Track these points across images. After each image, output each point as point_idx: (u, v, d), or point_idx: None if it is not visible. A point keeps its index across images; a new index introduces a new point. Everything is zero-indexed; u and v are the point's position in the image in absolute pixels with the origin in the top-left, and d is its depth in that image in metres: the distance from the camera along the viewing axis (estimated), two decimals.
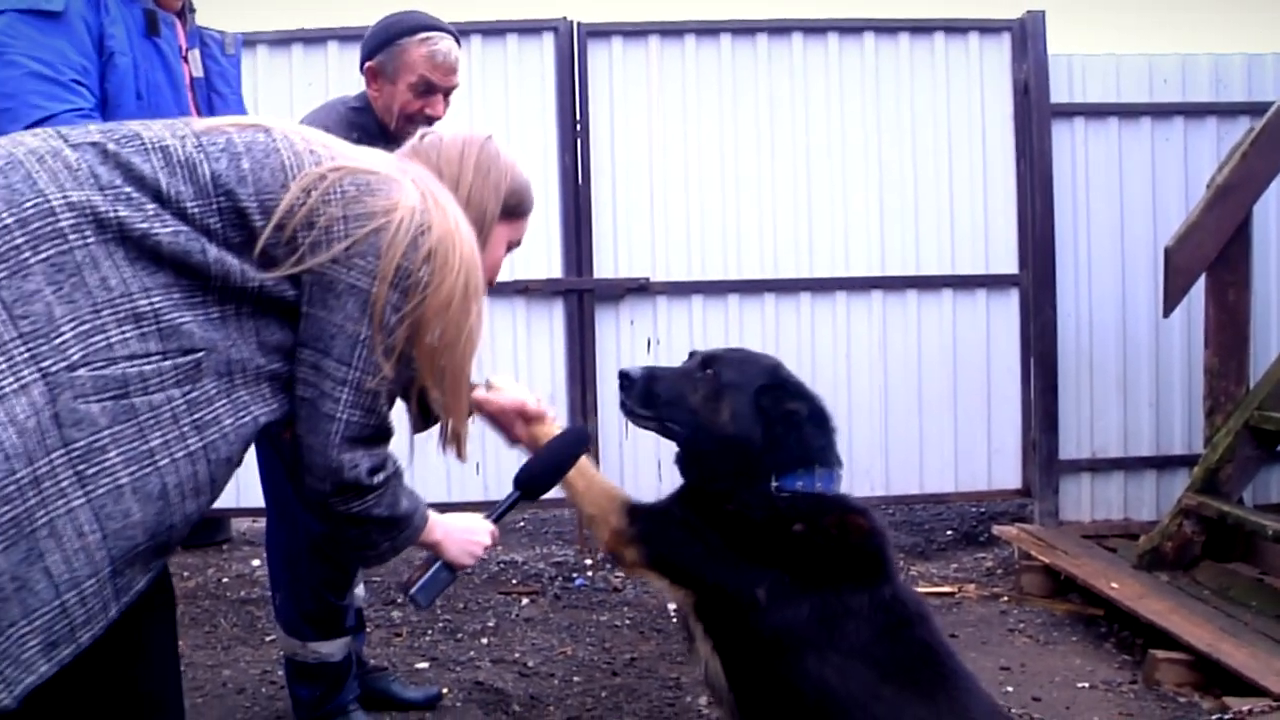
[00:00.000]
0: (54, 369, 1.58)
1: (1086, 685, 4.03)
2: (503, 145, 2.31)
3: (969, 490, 6.03)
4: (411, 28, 3.28)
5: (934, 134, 5.92)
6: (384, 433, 1.98)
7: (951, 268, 5.92)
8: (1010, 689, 3.92)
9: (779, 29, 5.84)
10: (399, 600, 5.11)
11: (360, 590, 3.70)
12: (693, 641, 2.56)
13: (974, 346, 5.94)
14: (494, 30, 5.71)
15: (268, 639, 4.58)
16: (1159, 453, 5.99)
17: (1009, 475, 5.99)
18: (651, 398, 2.63)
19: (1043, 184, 5.82)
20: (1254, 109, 5.70)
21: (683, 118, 5.83)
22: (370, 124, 3.33)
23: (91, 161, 1.69)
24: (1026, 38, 5.84)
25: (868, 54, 5.89)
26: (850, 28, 5.88)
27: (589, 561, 5.72)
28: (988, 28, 5.94)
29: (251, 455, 2.27)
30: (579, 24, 5.76)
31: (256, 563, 5.73)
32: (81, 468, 1.60)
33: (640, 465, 5.73)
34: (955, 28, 5.92)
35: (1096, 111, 5.92)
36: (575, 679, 4.16)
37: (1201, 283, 5.07)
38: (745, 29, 5.83)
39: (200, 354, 1.73)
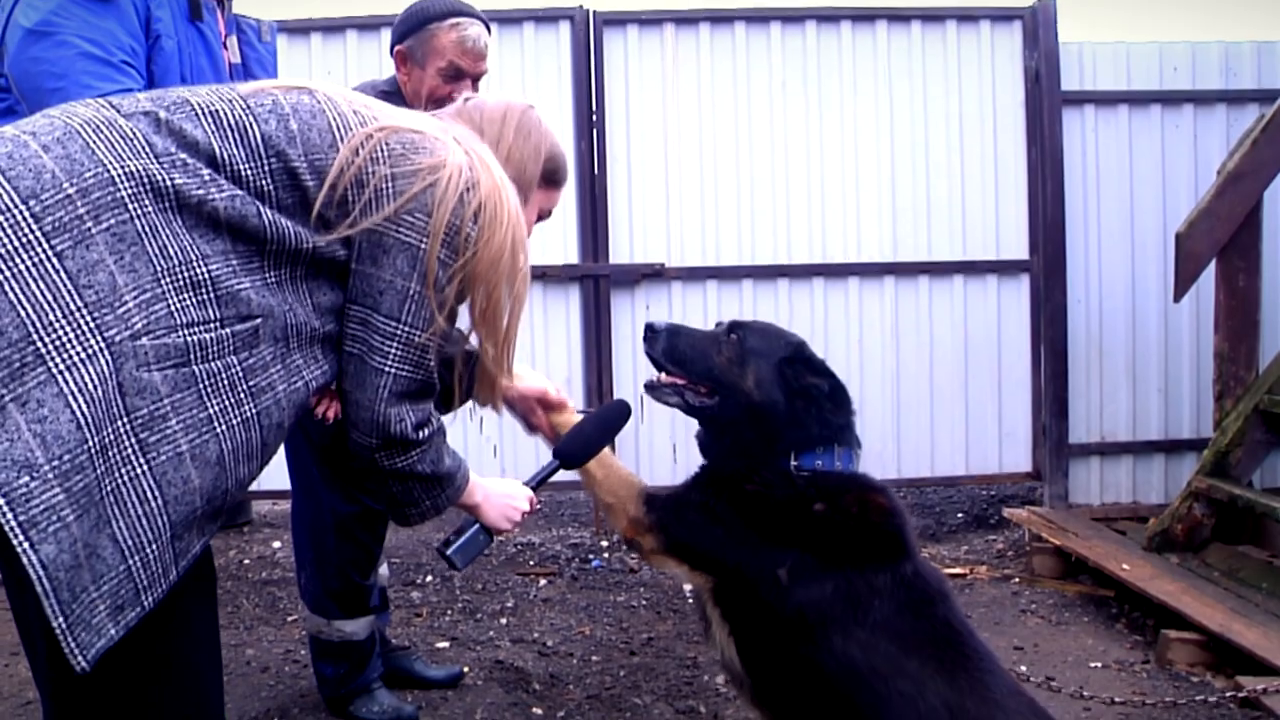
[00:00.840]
0: (118, 338, 1.59)
1: (1099, 665, 4.08)
2: (543, 116, 2.33)
3: (979, 473, 6.09)
4: (442, 13, 3.30)
5: (945, 121, 5.97)
6: (430, 387, 1.99)
7: (963, 254, 5.98)
8: (1024, 668, 3.96)
9: (792, 17, 5.89)
10: (418, 581, 5.17)
11: (384, 569, 3.73)
12: (710, 627, 2.55)
13: (985, 332, 6.00)
14: (511, 19, 5.76)
15: (289, 619, 4.64)
16: (1167, 437, 6.05)
17: (1019, 459, 6.06)
18: (676, 353, 2.61)
19: (1053, 171, 5.86)
20: (1264, 97, 5.75)
21: (697, 105, 5.88)
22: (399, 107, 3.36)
23: (145, 130, 1.70)
24: (1038, 26, 5.88)
25: (880, 42, 5.94)
26: (863, 15, 5.92)
27: (605, 543, 5.79)
28: (999, 16, 5.98)
29: None
30: (595, 12, 5.81)
31: (277, 545, 5.79)
32: (144, 435, 1.62)
33: (656, 449, 5.80)
34: (967, 16, 5.97)
35: (1107, 99, 5.96)
36: (594, 658, 4.22)
37: (1210, 269, 5.11)
38: (759, 17, 5.89)
39: (258, 320, 1.76)
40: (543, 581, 5.24)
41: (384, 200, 1.83)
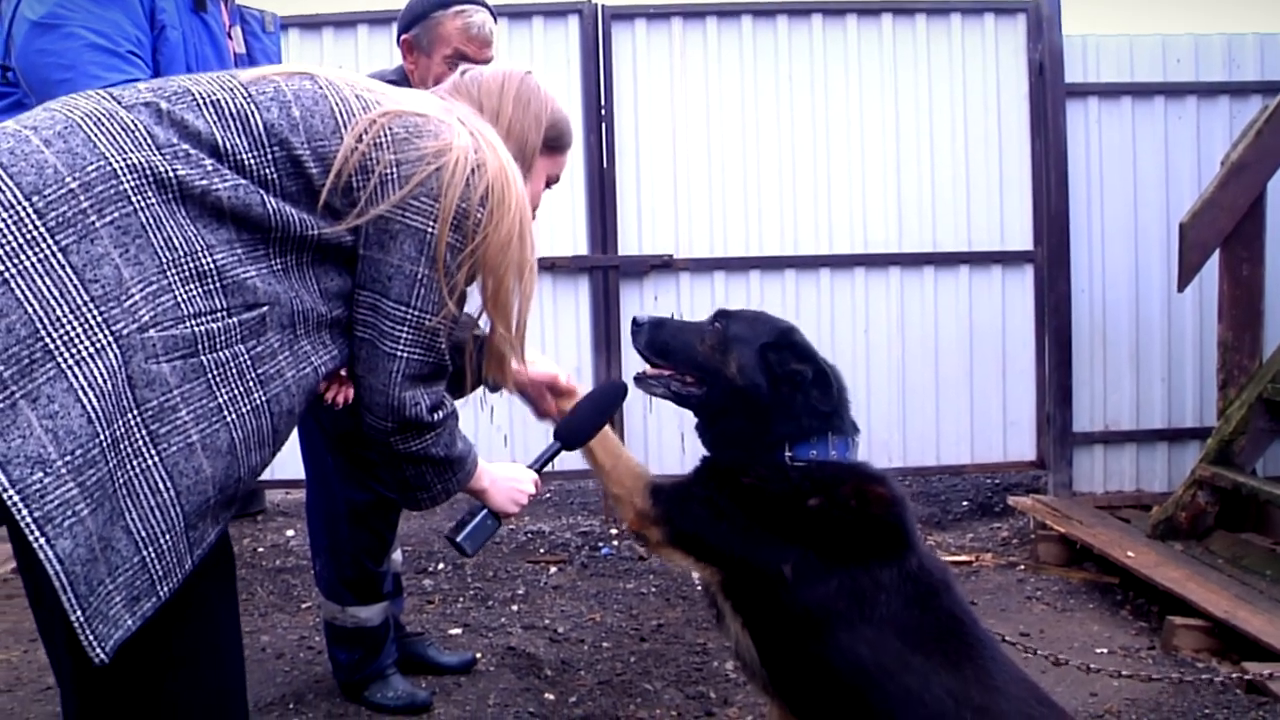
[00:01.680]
0: (125, 331, 1.59)
1: (1105, 651, 4.12)
2: (541, 81, 2.32)
3: (984, 462, 6.13)
4: (446, 0, 3.33)
5: (950, 113, 6.00)
6: (442, 370, 2.00)
7: (968, 245, 6.01)
8: (1029, 656, 4.00)
9: (798, 10, 5.92)
10: (430, 569, 5.22)
11: (398, 556, 3.77)
12: (722, 618, 2.54)
13: (990, 321, 6.04)
14: (519, 13, 5.79)
15: (304, 606, 4.69)
16: (1170, 425, 6.08)
17: (1024, 447, 6.09)
18: (659, 344, 2.64)
19: (1057, 163, 5.88)
20: (1267, 88, 5.77)
21: (704, 98, 5.92)
22: None
23: (147, 122, 1.69)
24: (1041, 18, 5.90)
25: (885, 34, 5.97)
26: (868, 9, 5.95)
27: (615, 531, 5.82)
28: (1003, 9, 6.00)
29: None
30: (603, 6, 5.84)
31: (291, 533, 5.85)
32: (154, 427, 1.63)
33: (664, 437, 5.85)
34: (972, 9, 5.99)
35: (1110, 91, 5.98)
36: (604, 644, 4.26)
37: (1214, 259, 5.14)
38: (765, 10, 5.91)
39: (264, 308, 1.76)
40: (553, 569, 5.29)
41: (390, 187, 1.83)
